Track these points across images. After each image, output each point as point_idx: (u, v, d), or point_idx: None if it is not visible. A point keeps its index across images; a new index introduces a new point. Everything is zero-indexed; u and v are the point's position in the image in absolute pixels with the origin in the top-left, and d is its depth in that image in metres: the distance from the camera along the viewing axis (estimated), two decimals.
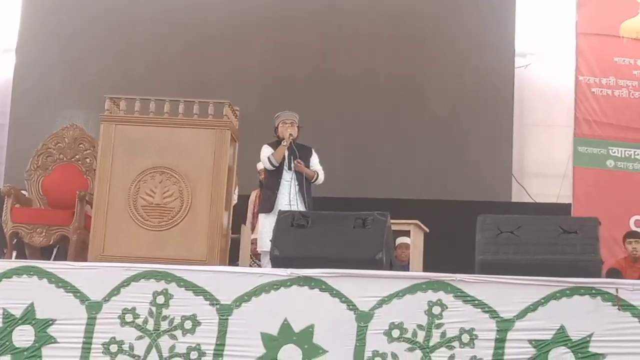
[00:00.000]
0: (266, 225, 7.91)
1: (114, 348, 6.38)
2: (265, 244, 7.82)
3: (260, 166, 8.56)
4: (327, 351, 6.18)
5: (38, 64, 12.11)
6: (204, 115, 7.24)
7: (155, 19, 11.94)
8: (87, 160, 8.06)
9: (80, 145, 8.12)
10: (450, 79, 11.50)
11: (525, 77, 11.62)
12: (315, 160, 8.28)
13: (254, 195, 9.30)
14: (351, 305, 6.22)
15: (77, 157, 8.10)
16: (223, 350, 6.28)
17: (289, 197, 7.99)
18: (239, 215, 8.39)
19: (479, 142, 11.24)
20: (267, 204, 8.08)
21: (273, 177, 8.11)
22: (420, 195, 10.83)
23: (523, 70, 11.59)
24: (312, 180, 8.18)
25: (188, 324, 6.36)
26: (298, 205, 7.94)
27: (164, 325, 6.37)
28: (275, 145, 8.13)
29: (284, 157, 8.07)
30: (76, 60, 11.94)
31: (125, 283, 6.48)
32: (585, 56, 10.71)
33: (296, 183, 8.05)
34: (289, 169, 8.07)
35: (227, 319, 6.33)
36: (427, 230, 8.76)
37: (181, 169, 7.10)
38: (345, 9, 11.73)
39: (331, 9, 11.74)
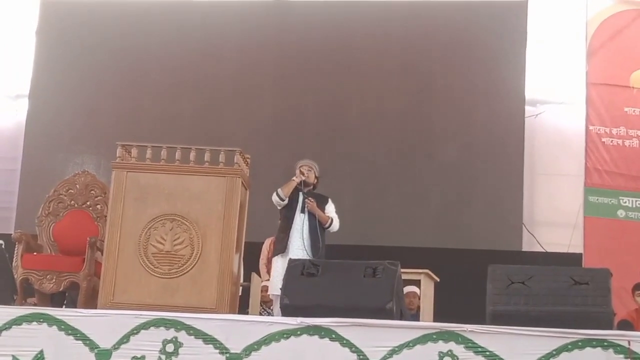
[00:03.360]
0: (278, 268, 7.94)
1: None
2: (275, 287, 7.84)
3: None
4: None
5: (50, 110, 12.20)
6: (215, 163, 7.26)
7: (167, 67, 12.03)
8: (98, 206, 8.07)
9: (92, 192, 8.14)
10: (460, 126, 11.53)
11: (536, 126, 11.64)
12: (330, 208, 8.31)
13: (268, 242, 9.30)
14: (361, 355, 6.18)
15: (88, 203, 8.12)
16: None
17: (302, 240, 8.01)
18: (249, 263, 8.38)
19: (489, 191, 11.24)
20: (279, 246, 8.13)
21: (286, 220, 8.15)
22: (429, 243, 10.81)
23: (533, 119, 11.62)
24: (326, 226, 8.19)
25: None
26: (306, 249, 7.95)
27: None
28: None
29: (297, 201, 8.10)
30: (88, 106, 12.03)
31: (135, 331, 6.44)
32: (595, 106, 10.73)
33: (308, 226, 8.06)
34: (302, 212, 8.10)
35: None
36: (438, 279, 8.73)
37: (192, 217, 7.10)
38: (355, 57, 11.80)
39: (341, 58, 11.82)
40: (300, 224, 8.08)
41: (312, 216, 8.10)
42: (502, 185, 11.24)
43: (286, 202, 8.11)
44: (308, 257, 7.79)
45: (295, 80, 11.88)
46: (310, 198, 8.14)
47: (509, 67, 11.63)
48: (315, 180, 8.32)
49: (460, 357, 6.06)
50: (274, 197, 8.09)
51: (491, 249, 10.43)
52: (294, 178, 8.17)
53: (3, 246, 7.93)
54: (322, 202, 8.21)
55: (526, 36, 11.59)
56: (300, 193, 8.16)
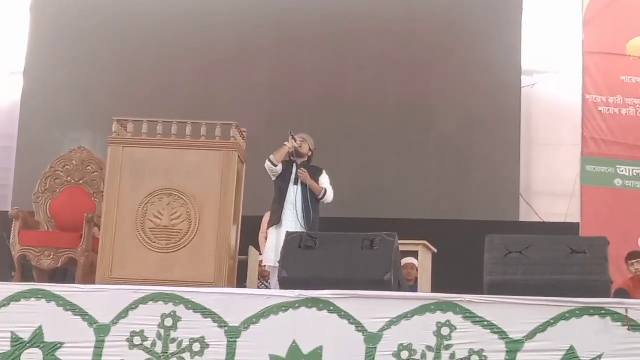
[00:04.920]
0: (272, 239, 8.01)
1: None
2: (270, 258, 7.88)
3: None
4: None
5: (46, 87, 12.14)
6: (212, 137, 7.25)
7: (163, 41, 11.96)
8: (95, 182, 8.07)
9: (88, 168, 8.13)
10: (458, 98, 11.49)
11: (532, 96, 11.60)
12: (324, 180, 8.32)
13: (267, 216, 9.30)
14: (360, 327, 6.21)
15: (84, 179, 8.11)
16: None
17: (295, 211, 8.03)
18: (246, 237, 8.38)
19: (486, 162, 11.22)
20: (274, 217, 8.16)
21: (280, 191, 8.17)
22: (427, 215, 10.80)
23: (530, 89, 11.58)
24: (320, 197, 8.20)
25: (196, 347, 6.35)
26: (299, 221, 7.97)
27: (173, 348, 6.37)
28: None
29: (291, 172, 8.12)
30: (84, 82, 11.98)
31: (134, 306, 6.47)
32: (592, 75, 10.70)
33: (301, 197, 8.08)
34: (295, 183, 8.12)
35: (236, 341, 6.32)
36: (435, 250, 8.74)
37: (189, 191, 7.11)
38: (352, 31, 11.73)
39: (339, 30, 11.74)
40: (294, 195, 8.10)
41: (305, 187, 8.12)
42: (499, 156, 11.22)
43: (279, 168, 8.12)
44: (301, 228, 7.85)
45: (292, 52, 11.83)
46: (302, 169, 8.15)
47: (505, 38, 11.59)
48: (310, 153, 8.32)
49: (458, 327, 6.09)
50: (267, 164, 8.10)
51: (488, 219, 10.41)
52: (286, 143, 8.18)
53: None
54: (316, 174, 8.23)
55: (522, 6, 11.53)
56: (294, 165, 8.18)
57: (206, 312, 6.41)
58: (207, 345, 6.34)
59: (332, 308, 6.27)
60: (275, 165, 8.10)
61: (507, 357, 5.98)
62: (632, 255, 9.05)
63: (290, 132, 8.21)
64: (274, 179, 8.23)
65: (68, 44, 12.18)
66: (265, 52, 11.80)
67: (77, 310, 6.52)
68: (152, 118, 7.36)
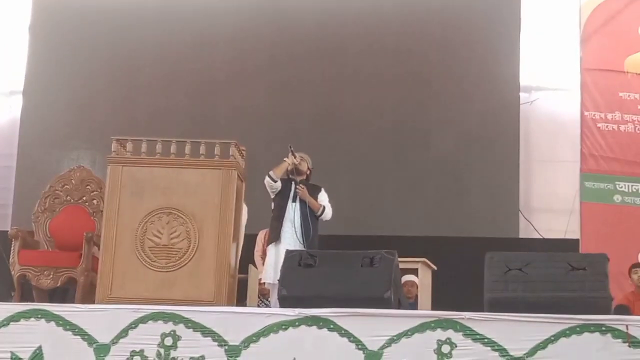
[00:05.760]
0: (271, 256, 8.00)
1: None
2: (269, 275, 7.88)
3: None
4: None
5: (45, 106, 12.15)
6: (211, 156, 7.26)
7: (161, 60, 11.99)
8: (94, 201, 8.07)
9: (87, 187, 8.14)
10: (456, 116, 11.51)
11: (531, 113, 11.63)
12: (323, 197, 8.32)
13: (263, 233, 9.31)
14: (360, 345, 6.20)
15: (84, 198, 8.12)
16: None
17: (293, 228, 8.03)
18: (246, 255, 8.39)
19: (485, 179, 11.23)
20: (273, 234, 8.14)
21: (279, 209, 8.17)
22: (427, 232, 10.79)
23: (528, 106, 11.60)
24: (318, 214, 8.19)
25: None
26: (298, 238, 7.97)
27: None
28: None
29: (290, 190, 8.12)
30: (83, 101, 11.99)
31: (133, 325, 6.46)
32: (590, 91, 10.70)
33: (300, 214, 8.08)
34: (294, 200, 8.12)
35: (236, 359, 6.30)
36: (435, 268, 8.73)
37: (188, 210, 7.11)
38: (349, 48, 11.77)
39: (336, 49, 11.78)
40: (292, 212, 8.10)
41: (303, 204, 8.12)
42: (498, 173, 11.23)
43: (278, 184, 8.11)
44: (300, 245, 7.84)
45: (289, 71, 11.85)
46: (301, 185, 8.16)
47: (504, 55, 11.62)
48: (308, 171, 8.33)
49: (458, 344, 6.08)
50: (266, 179, 8.10)
51: (488, 236, 10.41)
52: (285, 159, 8.19)
53: None
54: (314, 191, 8.24)
55: (520, 23, 11.57)
56: (293, 182, 8.18)
57: (206, 331, 6.40)
58: None
59: (332, 326, 6.26)
60: (275, 181, 8.10)
61: None
62: (637, 264, 9.07)
63: (290, 147, 8.22)
64: (272, 196, 8.24)
65: (67, 63, 12.20)
66: (263, 71, 11.83)
67: (76, 330, 6.51)
68: (151, 137, 7.36)
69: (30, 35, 12.54)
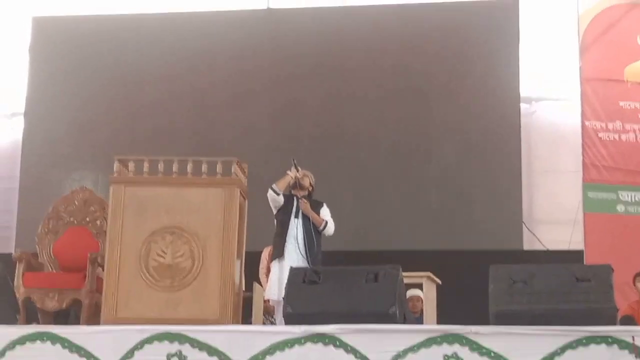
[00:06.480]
0: (275, 273, 8.00)
1: None
2: (273, 292, 7.87)
3: None
4: None
5: (46, 127, 12.19)
6: (213, 174, 7.25)
7: (162, 80, 12.03)
8: (98, 222, 8.05)
9: (90, 208, 8.12)
10: (457, 128, 11.52)
11: (532, 124, 11.65)
12: (325, 212, 8.32)
13: (267, 251, 9.31)
14: None
15: (87, 219, 8.09)
16: None
17: (297, 244, 8.03)
18: (250, 272, 8.38)
19: (488, 191, 11.23)
20: (277, 251, 8.15)
21: (282, 225, 8.17)
22: (430, 245, 10.79)
23: (529, 117, 11.62)
24: (321, 229, 8.20)
25: None
26: (302, 253, 7.97)
27: None
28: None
29: (292, 205, 8.12)
30: (84, 122, 12.03)
31: (139, 346, 6.45)
32: (590, 101, 10.71)
33: (302, 230, 8.08)
34: (296, 216, 8.12)
35: None
36: (440, 282, 8.72)
37: (191, 228, 7.10)
38: (350, 65, 11.80)
39: (336, 65, 11.82)
40: (295, 228, 8.10)
41: (306, 220, 8.12)
42: (500, 184, 11.24)
43: (281, 198, 8.12)
44: (304, 261, 7.84)
45: (290, 87, 11.88)
46: (303, 199, 8.17)
47: (503, 66, 11.64)
48: (311, 187, 8.33)
49: (465, 358, 6.07)
50: (269, 193, 8.10)
51: (492, 248, 10.41)
52: (288, 172, 8.19)
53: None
54: (316, 207, 8.25)
55: (519, 34, 11.60)
56: (295, 198, 8.19)
57: (212, 350, 6.38)
58: None
59: (338, 343, 6.24)
60: (278, 194, 8.11)
61: None
62: None
63: (294, 160, 8.22)
64: (275, 211, 8.24)
65: (68, 84, 12.24)
66: (265, 90, 11.86)
67: (82, 352, 6.50)
68: (153, 156, 7.36)
69: (30, 57, 12.59)
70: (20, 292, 7.59)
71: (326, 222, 8.23)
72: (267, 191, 8.17)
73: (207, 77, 11.98)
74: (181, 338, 6.43)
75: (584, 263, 9.73)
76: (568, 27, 11.20)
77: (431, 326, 6.80)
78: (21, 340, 6.56)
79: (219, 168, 7.28)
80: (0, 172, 12.35)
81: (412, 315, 7.99)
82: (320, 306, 6.51)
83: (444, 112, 11.59)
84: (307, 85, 11.84)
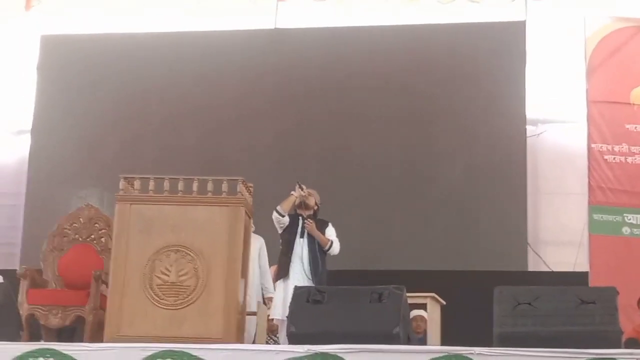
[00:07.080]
0: (280, 292, 8.01)
1: None
2: (277, 311, 7.87)
3: None
4: None
5: (53, 145, 12.23)
6: (218, 193, 7.25)
7: (167, 98, 12.07)
8: (102, 239, 8.07)
9: (96, 225, 8.14)
10: (463, 150, 11.53)
11: (538, 146, 11.64)
12: (331, 232, 8.35)
13: (272, 270, 9.32)
14: None
15: (92, 236, 8.11)
16: None
17: (302, 264, 8.03)
18: None
19: (493, 212, 11.22)
20: (282, 270, 8.19)
21: (287, 244, 8.20)
22: (435, 266, 10.78)
23: (535, 139, 11.61)
24: (326, 249, 8.21)
25: None
26: (306, 273, 7.96)
27: None
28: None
29: (297, 225, 8.13)
30: (90, 140, 12.06)
31: None
32: (597, 124, 10.73)
33: (308, 250, 8.08)
34: (302, 236, 8.13)
35: None
36: (444, 302, 8.71)
37: (196, 247, 7.08)
38: (356, 84, 11.82)
39: (342, 86, 11.84)
40: (300, 248, 8.12)
41: (311, 239, 8.13)
42: (506, 206, 11.22)
43: (286, 219, 8.14)
44: (309, 281, 7.85)
45: (296, 107, 11.91)
46: (309, 219, 8.17)
47: (509, 88, 11.65)
48: (316, 207, 8.34)
49: None
50: (274, 214, 8.13)
51: (497, 270, 10.40)
52: (293, 192, 8.20)
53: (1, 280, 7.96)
54: (322, 226, 8.27)
55: (525, 56, 11.61)
56: (300, 217, 8.20)
57: None
58: None
59: None
60: (283, 216, 8.12)
61: None
62: None
63: (298, 182, 8.24)
64: (280, 231, 8.25)
65: (75, 102, 12.29)
66: (271, 110, 11.89)
67: None
68: (159, 174, 7.37)
69: (38, 75, 12.64)
70: (24, 308, 7.60)
71: (332, 242, 8.25)
72: (272, 212, 8.18)
73: (214, 97, 12.01)
74: (185, 356, 6.40)
75: (589, 285, 9.71)
76: (575, 50, 11.21)
77: (435, 347, 6.76)
78: (24, 357, 6.53)
79: (224, 187, 7.27)
80: (7, 188, 12.38)
81: (415, 335, 7.99)
82: (324, 326, 6.50)
83: (450, 133, 11.60)
84: (314, 105, 11.87)
